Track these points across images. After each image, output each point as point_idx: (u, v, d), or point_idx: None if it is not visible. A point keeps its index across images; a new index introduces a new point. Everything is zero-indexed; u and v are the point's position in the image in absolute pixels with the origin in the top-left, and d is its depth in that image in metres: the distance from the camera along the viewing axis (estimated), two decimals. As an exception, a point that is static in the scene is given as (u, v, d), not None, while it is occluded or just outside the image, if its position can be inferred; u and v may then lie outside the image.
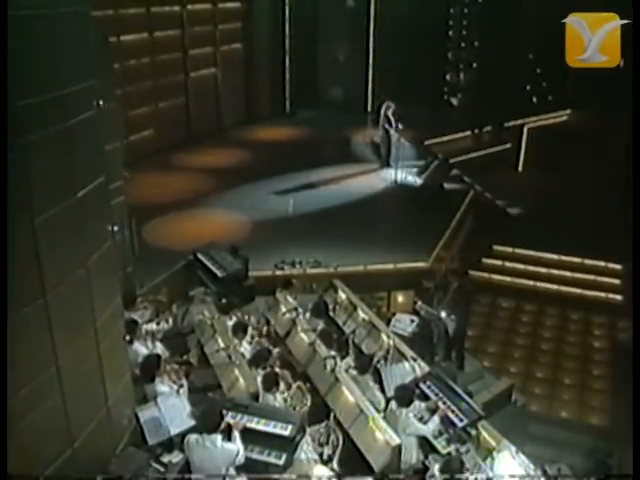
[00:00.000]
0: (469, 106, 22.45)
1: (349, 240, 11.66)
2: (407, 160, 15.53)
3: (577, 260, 13.55)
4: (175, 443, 5.67)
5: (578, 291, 13.03)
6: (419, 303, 9.44)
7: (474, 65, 23.12)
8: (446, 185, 14.48)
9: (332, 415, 6.47)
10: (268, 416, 5.75)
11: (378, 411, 6.99)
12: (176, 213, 13.06)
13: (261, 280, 10.15)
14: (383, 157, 15.78)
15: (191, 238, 11.43)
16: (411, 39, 21.16)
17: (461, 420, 6.79)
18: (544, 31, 20.06)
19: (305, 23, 21.41)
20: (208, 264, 9.32)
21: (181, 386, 6.21)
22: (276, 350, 8.02)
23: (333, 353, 7.83)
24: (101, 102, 4.67)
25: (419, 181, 14.68)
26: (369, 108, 22.20)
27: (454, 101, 23.53)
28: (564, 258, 13.67)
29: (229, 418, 5.62)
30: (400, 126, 15.06)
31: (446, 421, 6.85)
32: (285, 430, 5.64)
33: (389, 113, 15.39)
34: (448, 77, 23.40)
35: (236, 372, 6.95)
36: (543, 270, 13.61)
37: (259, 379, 6.77)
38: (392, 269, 10.82)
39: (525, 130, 20.92)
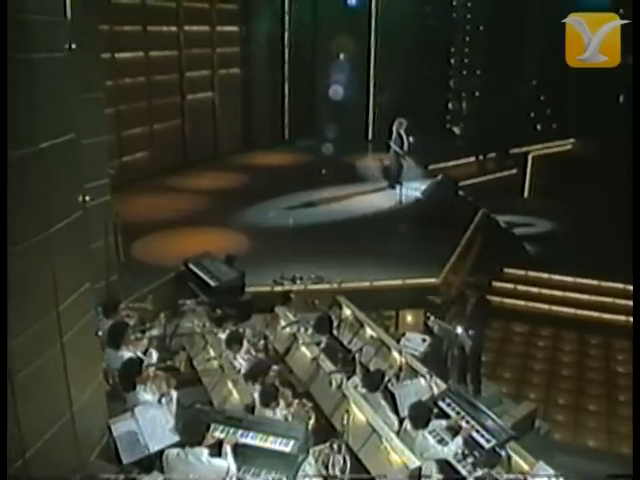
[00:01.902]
0: (472, 134, 21.97)
1: (353, 256, 10.92)
2: (415, 180, 15.03)
3: (594, 282, 12.77)
4: (155, 462, 4.76)
5: (596, 314, 12.23)
6: (432, 318, 8.60)
7: (476, 93, 22.73)
8: (452, 203, 13.86)
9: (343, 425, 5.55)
10: (266, 430, 4.86)
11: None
12: (171, 230, 12.33)
13: (258, 296, 9.36)
14: (393, 177, 15.19)
15: (186, 254, 10.65)
16: (412, 67, 20.86)
17: (488, 441, 5.92)
18: (547, 57, 19.80)
19: (305, 49, 21.03)
20: (200, 274, 8.51)
21: (163, 395, 5.30)
22: (275, 367, 7.19)
23: (339, 368, 7.01)
24: (74, 46, 3.98)
25: (421, 196, 14.09)
26: (370, 136, 21.78)
27: (457, 130, 23.08)
28: (580, 280, 12.90)
29: (220, 432, 4.74)
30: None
31: (470, 442, 5.98)
32: (286, 446, 4.75)
33: (401, 131, 14.90)
34: (450, 105, 23.03)
35: (229, 385, 6.08)
36: (558, 293, 12.82)
37: (256, 394, 5.90)
38: (400, 285, 10.02)
39: (530, 158, 20.46)
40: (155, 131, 17.00)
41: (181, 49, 17.57)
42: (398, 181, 14.85)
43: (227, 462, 4.46)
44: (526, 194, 19.50)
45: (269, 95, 20.87)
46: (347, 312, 8.86)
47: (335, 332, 8.51)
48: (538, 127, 22.10)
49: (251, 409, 5.56)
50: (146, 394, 5.44)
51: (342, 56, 21.29)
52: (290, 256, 10.92)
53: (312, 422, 6.05)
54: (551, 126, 22.04)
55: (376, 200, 14.57)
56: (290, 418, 5.89)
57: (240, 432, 4.80)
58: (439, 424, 6.22)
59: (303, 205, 13.99)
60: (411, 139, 14.73)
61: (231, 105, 19.57)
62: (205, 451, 4.42)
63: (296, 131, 21.33)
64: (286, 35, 20.73)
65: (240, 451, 4.68)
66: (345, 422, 5.46)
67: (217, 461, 4.45)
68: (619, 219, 13.76)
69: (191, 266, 8.82)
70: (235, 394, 5.96)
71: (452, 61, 22.52)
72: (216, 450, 4.56)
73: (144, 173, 15.97)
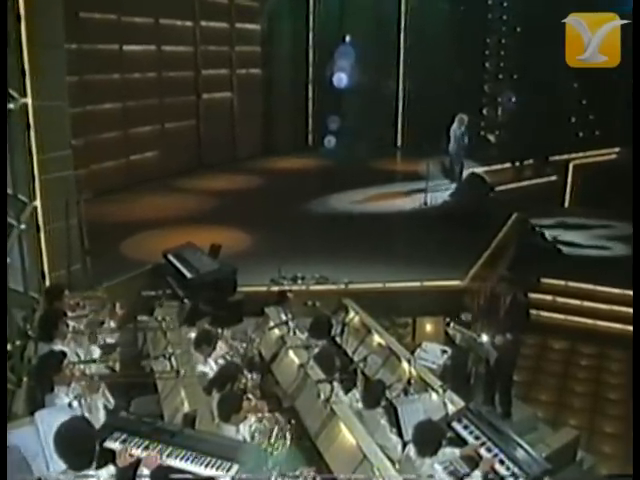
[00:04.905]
0: (509, 142, 20.57)
1: (366, 257, 9.70)
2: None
3: (643, 294, 11.19)
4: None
5: (647, 331, 10.66)
6: (452, 325, 7.22)
7: (513, 99, 21.34)
8: (483, 205, 12.55)
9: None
10: (203, 449, 3.56)
11: (391, 461, 4.82)
12: (169, 228, 11.28)
13: (255, 298, 8.15)
14: (454, 175, 14.72)
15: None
16: (445, 71, 19.64)
17: (516, 476, 4.53)
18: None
19: (331, 51, 19.95)
20: (178, 265, 7.32)
21: (78, 398, 4.03)
22: (254, 375, 5.94)
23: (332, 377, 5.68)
24: None
25: (449, 198, 12.90)
26: (399, 143, 20.58)
27: (492, 137, 21.69)
28: (627, 292, 11.34)
29: (141, 449, 3.48)
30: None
31: (493, 476, 4.61)
32: (226, 471, 3.45)
33: (463, 127, 14.66)
34: (485, 112, 21.70)
35: (182, 393, 4.79)
36: (603, 306, 11.28)
37: (214, 404, 4.61)
38: (419, 288, 8.68)
39: (571, 166, 19.01)
40: (167, 130, 16.06)
41: (197, 45, 16.67)
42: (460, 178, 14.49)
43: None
44: (567, 204, 18.04)
45: (292, 98, 19.82)
46: (352, 314, 7.57)
47: (338, 339, 7.25)
48: (580, 134, 20.60)
49: (191, 420, 4.27)
50: (67, 398, 4.22)
51: (371, 57, 20.17)
52: (298, 256, 9.74)
53: (288, 443, 4.74)
54: (594, 133, 20.52)
55: (400, 201, 13.43)
56: (257, 437, 4.60)
57: (168, 450, 3.54)
58: (452, 452, 4.86)
59: (320, 206, 13.10)
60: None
61: (251, 107, 18.54)
62: (104, 473, 3.16)
63: (320, 137, 20.22)
64: (311, 35, 19.71)
65: (166, 475, 3.41)
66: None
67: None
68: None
69: (170, 257, 7.64)
70: (186, 403, 4.68)
71: (487, 65, 21.23)
72: (131, 472, 3.31)
73: (152, 173, 15.05)
